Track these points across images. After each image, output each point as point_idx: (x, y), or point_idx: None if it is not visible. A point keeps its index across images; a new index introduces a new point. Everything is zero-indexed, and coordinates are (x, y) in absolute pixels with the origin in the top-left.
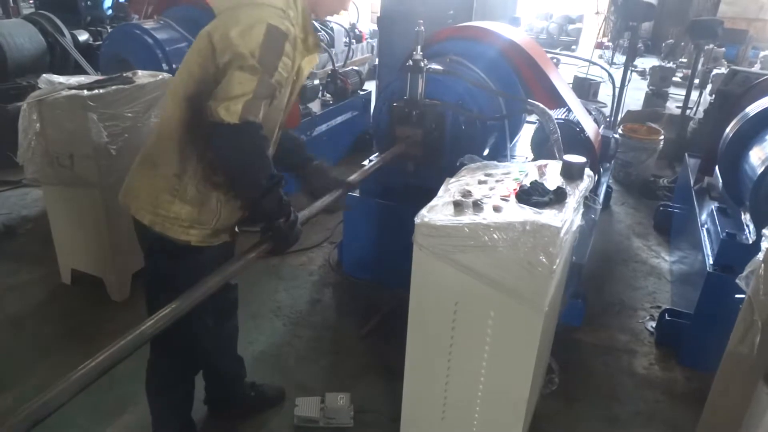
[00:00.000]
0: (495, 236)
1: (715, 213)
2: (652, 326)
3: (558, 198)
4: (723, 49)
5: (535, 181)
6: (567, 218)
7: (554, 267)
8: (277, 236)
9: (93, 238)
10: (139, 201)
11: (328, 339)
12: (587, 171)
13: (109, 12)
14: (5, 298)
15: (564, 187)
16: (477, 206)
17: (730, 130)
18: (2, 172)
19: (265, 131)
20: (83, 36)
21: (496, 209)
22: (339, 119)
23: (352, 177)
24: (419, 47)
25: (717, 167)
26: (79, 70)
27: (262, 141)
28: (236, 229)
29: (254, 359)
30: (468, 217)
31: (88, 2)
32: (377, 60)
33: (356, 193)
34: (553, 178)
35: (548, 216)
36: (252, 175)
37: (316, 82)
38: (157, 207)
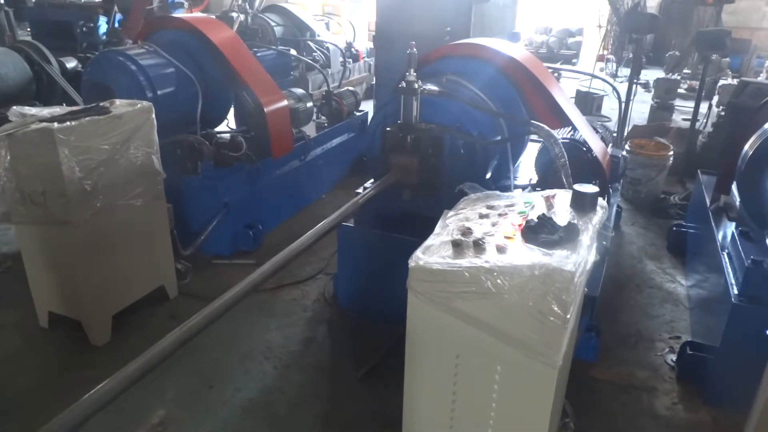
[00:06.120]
0: (499, 282)
1: (737, 237)
2: (672, 359)
3: (569, 235)
4: (728, 59)
5: (543, 215)
6: (581, 260)
7: (568, 316)
8: None
9: (69, 278)
10: None
11: (323, 383)
12: (600, 201)
13: (104, 38)
14: None
15: (575, 221)
16: (478, 246)
17: (749, 147)
18: None
19: None
20: (71, 63)
21: (500, 250)
22: (335, 142)
23: None
24: (412, 69)
25: (735, 186)
26: (67, 99)
27: None
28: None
29: (241, 408)
30: (468, 260)
31: (84, 29)
32: (374, 79)
33: (351, 223)
34: (562, 211)
35: (559, 258)
36: None
37: (310, 104)
38: None
